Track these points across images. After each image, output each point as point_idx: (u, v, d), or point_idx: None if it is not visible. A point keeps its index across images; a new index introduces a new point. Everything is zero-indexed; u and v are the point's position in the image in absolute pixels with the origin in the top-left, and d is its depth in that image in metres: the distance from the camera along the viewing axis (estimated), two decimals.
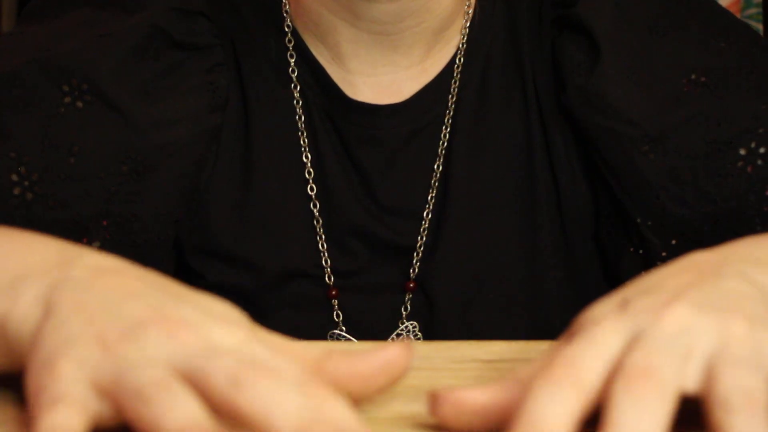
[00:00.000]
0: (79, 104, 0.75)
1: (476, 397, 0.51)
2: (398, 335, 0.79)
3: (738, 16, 1.21)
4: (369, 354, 0.51)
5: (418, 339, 0.79)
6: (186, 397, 0.46)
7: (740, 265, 0.56)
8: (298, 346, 0.52)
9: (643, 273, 0.72)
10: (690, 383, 0.48)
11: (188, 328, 0.49)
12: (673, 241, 0.76)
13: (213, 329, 0.49)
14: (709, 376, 0.48)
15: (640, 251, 0.77)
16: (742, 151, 0.76)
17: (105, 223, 0.75)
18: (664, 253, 0.76)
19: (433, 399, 0.51)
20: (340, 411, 0.46)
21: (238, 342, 0.49)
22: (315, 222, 0.79)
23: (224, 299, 0.78)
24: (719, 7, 0.83)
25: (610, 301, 0.52)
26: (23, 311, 0.54)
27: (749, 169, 0.76)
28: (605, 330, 0.49)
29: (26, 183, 0.74)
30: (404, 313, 0.79)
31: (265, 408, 0.45)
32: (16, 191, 0.74)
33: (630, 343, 0.49)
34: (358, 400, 0.52)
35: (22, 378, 0.59)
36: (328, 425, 0.45)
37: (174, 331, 0.49)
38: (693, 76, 0.77)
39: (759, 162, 0.76)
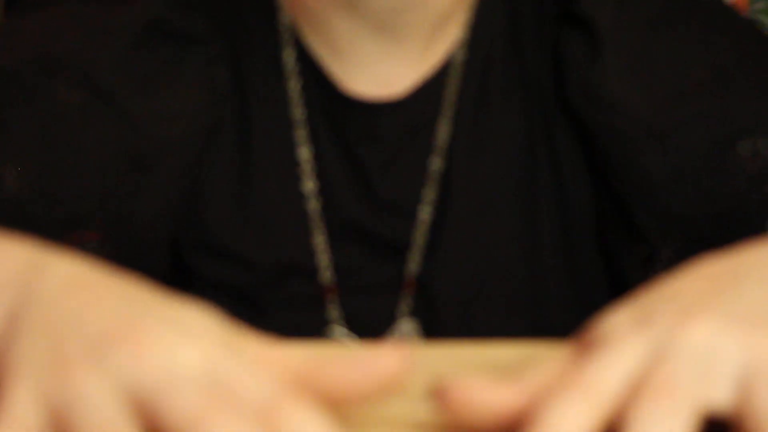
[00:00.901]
0: (76, 100, 0.75)
1: (486, 396, 0.49)
2: (397, 334, 0.79)
3: (747, 9, 1.20)
4: (358, 359, 0.50)
5: (418, 337, 0.79)
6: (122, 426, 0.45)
7: (758, 272, 0.55)
8: (279, 353, 0.50)
9: (645, 272, 0.73)
10: (719, 401, 0.47)
11: (152, 345, 0.48)
12: (675, 240, 0.76)
13: (179, 345, 0.48)
14: (743, 394, 0.46)
15: (642, 249, 0.77)
16: (744, 150, 0.76)
17: (102, 219, 0.75)
18: (665, 252, 0.76)
19: (440, 395, 0.50)
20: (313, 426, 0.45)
21: (204, 359, 0.48)
22: (313, 219, 0.79)
23: (221, 297, 0.79)
24: (721, 3, 0.83)
25: (626, 311, 0.51)
26: None
27: (751, 167, 0.76)
28: (626, 347, 0.48)
29: (22, 179, 0.74)
30: (404, 311, 0.79)
31: None
32: (13, 187, 0.74)
33: (652, 359, 0.48)
34: (350, 404, 0.51)
35: None
36: None
37: (137, 349, 0.47)
38: (695, 74, 0.77)
39: (760, 160, 0.76)
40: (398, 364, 0.50)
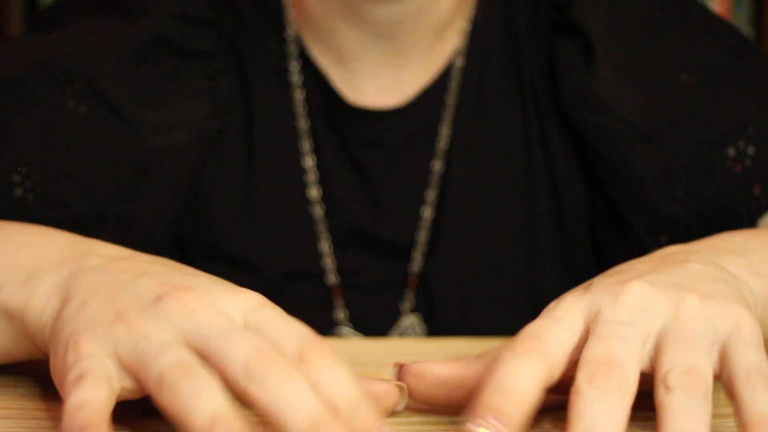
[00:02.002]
0: (81, 107, 0.75)
1: (438, 371, 0.54)
2: (401, 330, 0.80)
3: (730, 16, 1.22)
4: (361, 380, 0.51)
5: (420, 333, 0.80)
6: (210, 384, 0.48)
7: (709, 253, 0.60)
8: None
9: None
10: (644, 363, 0.50)
11: (202, 297, 0.51)
12: (664, 238, 0.77)
13: (224, 296, 0.52)
14: (657, 353, 0.50)
15: (633, 248, 0.77)
16: (732, 150, 0.76)
17: (104, 224, 0.76)
18: (654, 249, 0.74)
19: (399, 369, 0.55)
20: (343, 375, 0.49)
21: (248, 305, 0.52)
22: (318, 224, 0.80)
23: None
24: (708, 10, 0.85)
25: (579, 286, 0.55)
26: (42, 301, 0.56)
27: (738, 167, 0.76)
28: (567, 306, 0.52)
29: (27, 184, 0.74)
30: (407, 308, 0.80)
31: (277, 405, 0.47)
32: (17, 192, 0.74)
33: (588, 322, 0.52)
34: None
35: (28, 371, 0.61)
36: (333, 427, 0.46)
37: (188, 301, 0.51)
38: (685, 76, 0.78)
39: (748, 161, 0.76)
40: (394, 400, 0.54)
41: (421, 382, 0.54)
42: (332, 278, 0.80)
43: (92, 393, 0.49)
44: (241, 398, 0.48)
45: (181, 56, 0.78)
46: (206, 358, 0.49)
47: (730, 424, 0.52)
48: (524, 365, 0.49)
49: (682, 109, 0.77)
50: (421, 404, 0.55)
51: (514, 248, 0.80)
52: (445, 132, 0.81)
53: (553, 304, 0.54)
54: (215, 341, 0.49)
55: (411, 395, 0.54)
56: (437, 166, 0.80)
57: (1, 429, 0.54)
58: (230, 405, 0.47)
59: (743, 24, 1.24)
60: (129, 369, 0.50)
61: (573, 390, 0.48)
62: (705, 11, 0.84)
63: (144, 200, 0.76)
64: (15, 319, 0.58)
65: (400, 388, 0.54)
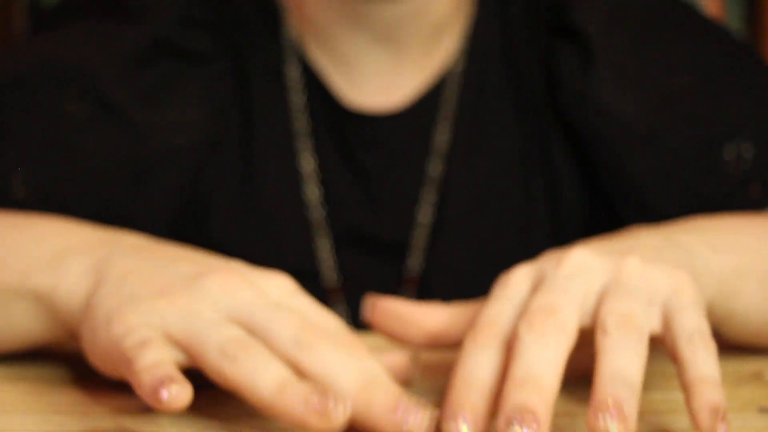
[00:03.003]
0: (82, 109, 0.76)
1: (401, 308, 0.60)
2: None
3: (724, 18, 1.22)
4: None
5: None
6: (270, 355, 0.51)
7: (666, 230, 0.63)
8: None
9: None
10: (586, 318, 0.53)
11: (241, 277, 0.54)
12: None
13: (262, 278, 0.55)
14: (597, 308, 0.53)
15: None
16: (730, 151, 0.77)
17: (104, 225, 0.75)
18: None
19: (371, 305, 0.60)
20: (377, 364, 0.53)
21: (284, 290, 0.55)
22: (317, 225, 0.81)
23: None
24: (702, 13, 0.85)
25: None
26: (72, 284, 0.58)
27: (736, 168, 0.77)
28: (516, 279, 0.56)
29: (28, 185, 0.75)
30: None
31: (329, 370, 0.51)
32: (18, 193, 0.75)
33: (534, 285, 0.55)
34: None
35: (51, 362, 0.62)
36: (384, 386, 0.51)
37: (229, 280, 0.53)
38: (681, 79, 0.78)
39: (746, 161, 0.77)
40: (407, 371, 0.58)
41: (385, 318, 0.60)
42: (331, 278, 0.81)
43: (162, 354, 0.51)
44: (292, 369, 0.51)
45: (181, 58, 0.78)
46: (253, 333, 0.52)
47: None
48: (485, 355, 0.52)
49: (680, 110, 0.77)
50: (386, 336, 0.60)
51: (511, 249, 0.81)
52: (443, 134, 0.81)
53: (504, 278, 0.57)
54: (261, 316, 0.52)
55: (376, 327, 0.60)
56: (436, 167, 0.81)
57: (22, 425, 0.54)
58: (293, 374, 0.50)
59: (736, 23, 1.24)
60: (180, 343, 0.52)
61: (513, 336, 0.51)
62: (700, 14, 0.84)
63: (144, 202, 0.77)
64: (44, 302, 0.59)
65: (413, 358, 0.59)
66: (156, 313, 0.53)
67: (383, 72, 0.81)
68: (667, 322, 0.53)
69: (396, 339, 0.61)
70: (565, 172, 0.81)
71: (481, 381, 0.51)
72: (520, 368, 0.50)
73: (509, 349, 0.52)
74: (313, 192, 0.81)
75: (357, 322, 0.80)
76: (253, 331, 0.53)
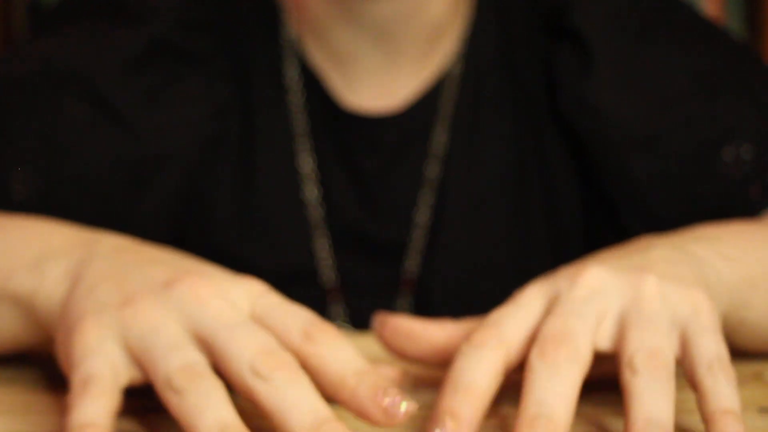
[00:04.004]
0: (82, 111, 0.76)
1: (412, 326, 0.58)
2: None
3: (724, 21, 1.23)
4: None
5: None
6: (217, 393, 0.49)
7: (678, 240, 0.61)
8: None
9: None
10: (604, 343, 0.52)
11: (210, 284, 0.53)
12: None
13: (231, 283, 0.54)
14: (620, 335, 0.52)
15: None
16: (727, 153, 0.77)
17: (106, 227, 0.75)
18: None
19: (380, 322, 0.59)
20: (351, 359, 0.51)
21: (252, 293, 0.54)
22: (316, 225, 0.81)
23: None
24: (701, 16, 0.85)
25: (545, 275, 0.57)
26: (51, 286, 0.57)
27: (735, 170, 0.77)
28: (528, 294, 0.55)
29: (28, 187, 0.75)
30: (403, 309, 0.81)
31: (281, 405, 0.49)
32: (19, 195, 0.75)
33: (548, 305, 0.54)
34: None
35: (28, 364, 0.62)
36: (333, 428, 0.48)
37: (197, 288, 0.52)
38: (680, 82, 0.78)
39: (744, 163, 0.77)
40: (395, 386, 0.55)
41: (395, 335, 0.58)
42: (329, 278, 0.81)
43: (96, 408, 0.49)
44: (245, 395, 0.50)
45: (180, 59, 0.78)
46: (213, 353, 0.51)
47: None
48: (482, 356, 0.51)
49: (679, 112, 0.77)
50: (395, 356, 0.59)
51: (509, 252, 0.81)
52: (442, 136, 0.81)
53: (516, 294, 0.56)
54: (223, 336, 0.51)
55: (385, 345, 0.58)
56: (434, 169, 0.81)
57: (2, 425, 0.54)
58: (236, 415, 0.49)
59: (736, 25, 1.24)
60: (137, 360, 0.51)
61: (525, 365, 0.50)
62: (699, 16, 0.84)
63: (144, 203, 0.77)
64: (25, 305, 0.59)
65: (403, 374, 0.57)
66: (117, 326, 0.52)
67: (380, 73, 0.81)
68: (686, 346, 0.52)
69: (405, 357, 0.59)
70: (563, 175, 0.81)
71: (470, 384, 0.51)
72: (533, 404, 0.49)
73: (522, 374, 0.51)
74: (311, 192, 0.81)
75: (355, 322, 0.80)
76: (212, 351, 0.51)
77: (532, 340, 0.53)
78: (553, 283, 0.55)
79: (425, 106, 0.81)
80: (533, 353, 0.50)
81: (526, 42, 0.82)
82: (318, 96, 0.81)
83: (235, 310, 0.53)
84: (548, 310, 0.53)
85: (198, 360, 0.51)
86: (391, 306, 0.81)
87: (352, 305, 0.81)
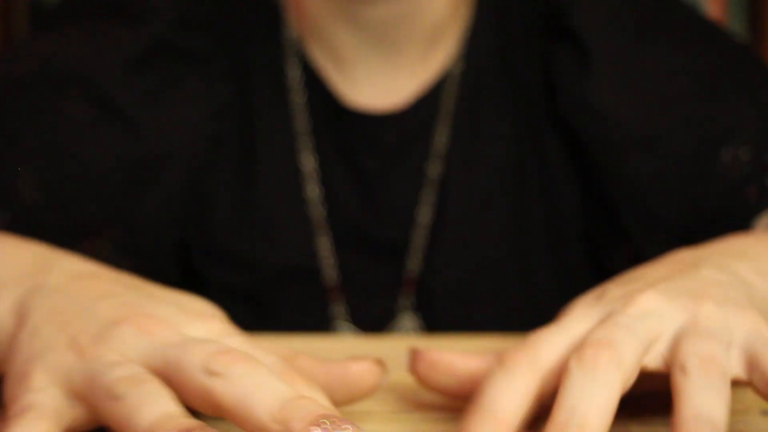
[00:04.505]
0: (84, 111, 0.76)
1: (452, 361, 0.53)
2: (399, 329, 0.81)
3: (726, 21, 1.23)
4: (334, 364, 0.51)
5: (419, 332, 0.81)
6: (159, 391, 0.45)
7: (719, 258, 0.58)
8: (266, 342, 0.53)
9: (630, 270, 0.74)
10: (656, 361, 0.49)
11: (161, 324, 0.48)
12: (659, 240, 0.77)
13: (187, 324, 0.49)
14: (674, 349, 0.48)
15: (628, 248, 0.78)
16: (726, 153, 0.77)
17: (110, 227, 0.76)
18: (650, 251, 0.76)
19: (413, 355, 0.53)
20: (317, 396, 0.47)
21: (212, 334, 0.49)
22: (317, 223, 0.81)
23: (231, 300, 0.80)
24: (702, 15, 0.85)
25: (590, 293, 0.54)
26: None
27: (734, 170, 0.77)
28: (576, 315, 0.51)
29: (35, 187, 0.75)
30: (405, 307, 0.81)
31: (242, 396, 0.44)
32: (23, 196, 0.75)
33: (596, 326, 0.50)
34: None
35: None
36: (308, 409, 0.43)
37: (147, 327, 0.48)
38: (679, 82, 0.78)
39: (743, 164, 0.77)
40: (375, 377, 0.52)
41: (433, 370, 0.53)
42: (331, 277, 0.81)
43: (33, 428, 0.46)
44: (204, 404, 0.46)
45: (181, 59, 0.79)
46: (165, 373, 0.47)
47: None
48: (511, 380, 0.48)
49: (678, 114, 0.78)
50: (430, 390, 0.54)
51: (509, 250, 0.81)
52: (443, 135, 0.81)
53: (565, 312, 0.53)
54: (172, 352, 0.47)
55: (422, 382, 0.53)
56: (436, 168, 0.81)
57: None
58: (181, 409, 0.45)
59: (738, 25, 1.24)
60: (79, 395, 0.48)
61: (563, 370, 0.47)
62: (698, 16, 0.85)
63: (147, 203, 0.77)
64: None
65: (380, 363, 0.52)
66: (61, 371, 0.48)
67: (380, 73, 0.81)
68: (754, 365, 0.49)
69: (442, 392, 0.54)
70: (563, 174, 0.81)
71: (496, 408, 0.47)
72: (564, 411, 0.45)
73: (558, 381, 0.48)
74: (313, 191, 0.81)
75: (356, 321, 0.81)
76: (166, 371, 0.47)
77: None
78: (604, 305, 0.52)
79: (426, 105, 0.81)
80: (572, 358, 0.47)
81: (525, 42, 0.82)
82: (319, 95, 0.81)
83: (183, 336, 0.48)
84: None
85: (141, 371, 0.46)
86: (392, 304, 0.81)
87: (354, 304, 0.81)
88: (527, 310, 0.81)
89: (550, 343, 0.49)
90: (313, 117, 0.81)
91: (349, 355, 0.53)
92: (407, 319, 0.81)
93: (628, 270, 0.58)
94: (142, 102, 0.77)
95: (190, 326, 0.50)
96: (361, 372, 0.52)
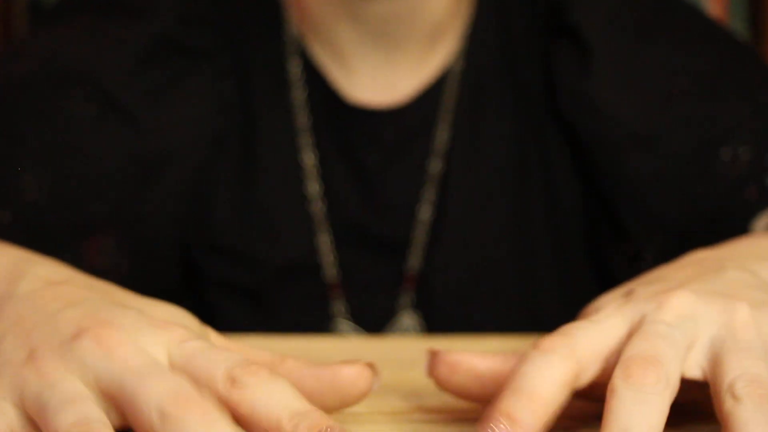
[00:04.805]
0: (89, 109, 0.76)
1: (474, 362, 0.51)
2: (399, 327, 0.81)
3: (727, 19, 1.23)
4: (324, 368, 0.50)
5: (419, 330, 0.81)
6: (91, 405, 0.45)
7: (741, 260, 0.57)
8: (241, 345, 0.52)
9: (630, 269, 0.74)
10: (694, 370, 0.48)
11: (121, 337, 0.47)
12: (659, 239, 0.77)
13: (146, 335, 0.48)
14: (715, 362, 0.48)
15: (628, 247, 0.78)
16: (725, 153, 0.77)
17: (115, 223, 0.76)
18: (650, 250, 0.77)
19: (432, 356, 0.51)
20: (285, 401, 0.46)
21: (171, 343, 0.48)
22: (318, 220, 0.81)
23: (232, 297, 0.80)
24: (702, 14, 0.86)
25: (616, 291, 0.53)
26: None
27: (733, 170, 0.77)
28: (608, 314, 0.50)
29: (38, 186, 0.75)
30: (405, 305, 0.81)
31: None
32: (32, 195, 0.75)
33: (631, 329, 0.49)
34: None
35: None
36: None
37: (107, 342, 0.47)
38: (679, 81, 0.78)
39: (742, 163, 0.77)
40: (365, 382, 0.50)
41: (454, 373, 0.51)
42: (331, 274, 0.81)
43: None
44: None
45: (183, 56, 0.79)
46: (120, 405, 0.46)
47: None
48: (549, 363, 0.47)
49: (677, 113, 0.78)
50: (451, 394, 0.52)
51: (510, 248, 0.81)
52: (444, 132, 0.82)
53: (591, 309, 0.52)
54: (129, 385, 0.46)
55: (441, 385, 0.51)
56: (436, 165, 0.81)
57: None
58: (103, 419, 0.44)
59: (739, 24, 1.24)
60: (31, 414, 0.47)
61: (609, 388, 0.46)
62: (699, 15, 0.85)
63: (150, 201, 0.77)
64: None
65: (371, 367, 0.51)
66: (16, 386, 0.47)
67: (381, 69, 0.81)
68: None
69: (463, 395, 0.52)
70: (563, 172, 0.81)
71: (534, 389, 0.46)
72: (615, 428, 0.44)
73: (606, 397, 0.46)
74: (313, 187, 0.81)
75: (356, 318, 0.81)
76: (119, 403, 0.46)
77: (608, 362, 0.48)
78: (636, 305, 0.50)
79: (427, 102, 0.82)
80: (617, 375, 0.45)
81: (526, 41, 0.82)
82: (320, 92, 0.81)
83: (144, 357, 0.47)
84: (631, 333, 0.49)
85: (96, 415, 0.45)
86: (392, 302, 0.81)
87: (354, 301, 0.81)
88: (527, 308, 0.81)
89: (586, 336, 0.48)
90: (313, 114, 0.81)
91: (346, 357, 0.52)
92: (407, 317, 0.81)
93: (627, 269, 0.58)
94: (145, 100, 0.77)
95: (151, 335, 0.48)
96: (352, 377, 0.50)
